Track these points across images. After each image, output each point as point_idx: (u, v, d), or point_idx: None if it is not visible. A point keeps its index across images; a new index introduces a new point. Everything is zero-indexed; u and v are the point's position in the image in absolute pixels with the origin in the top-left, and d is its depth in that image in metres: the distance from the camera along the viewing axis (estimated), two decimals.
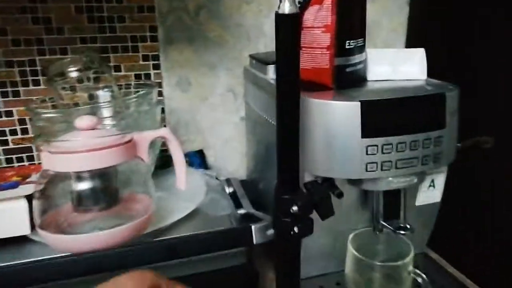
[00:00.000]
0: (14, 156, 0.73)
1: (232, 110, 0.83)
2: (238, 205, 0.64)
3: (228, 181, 0.73)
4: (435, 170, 0.57)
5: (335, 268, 0.63)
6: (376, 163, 0.50)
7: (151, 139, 0.53)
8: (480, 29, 0.70)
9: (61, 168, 0.47)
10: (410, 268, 0.52)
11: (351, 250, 0.55)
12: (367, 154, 0.49)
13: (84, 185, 0.48)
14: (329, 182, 0.51)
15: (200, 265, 0.52)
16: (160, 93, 0.78)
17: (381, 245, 0.57)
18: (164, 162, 0.68)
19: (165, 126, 0.78)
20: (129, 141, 0.50)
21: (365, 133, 0.49)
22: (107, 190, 0.50)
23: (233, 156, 0.86)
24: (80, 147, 0.46)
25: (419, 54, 0.62)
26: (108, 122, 0.60)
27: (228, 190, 0.71)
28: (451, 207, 0.65)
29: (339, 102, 0.50)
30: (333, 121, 0.50)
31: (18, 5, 0.67)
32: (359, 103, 0.49)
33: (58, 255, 0.47)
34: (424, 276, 0.51)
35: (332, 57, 0.53)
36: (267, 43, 0.82)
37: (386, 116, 0.50)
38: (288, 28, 0.33)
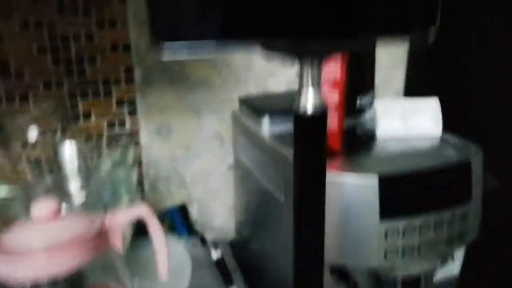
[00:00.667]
0: None
1: (219, 157, 0.75)
2: (228, 281, 0.55)
3: (215, 245, 0.64)
4: (459, 248, 0.51)
5: None
6: (398, 249, 0.42)
7: (127, 221, 0.43)
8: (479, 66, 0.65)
9: (13, 277, 0.37)
10: None
11: None
12: (386, 239, 0.42)
13: None
14: (341, 272, 0.43)
15: None
16: (136, 143, 0.68)
17: None
18: (138, 231, 0.58)
19: (142, 188, 0.69)
20: (101, 230, 0.41)
21: (385, 214, 0.41)
22: None
23: (220, 210, 0.77)
24: (37, 248, 0.36)
25: (432, 104, 0.56)
26: (75, 187, 0.51)
27: (216, 255, 0.62)
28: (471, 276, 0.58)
29: (353, 175, 0.42)
30: (346, 199, 0.42)
31: None
32: (377, 179, 0.41)
33: None
34: None
35: (341, 117, 0.46)
36: (257, 82, 0.74)
37: (409, 193, 0.42)
38: (314, 131, 0.26)
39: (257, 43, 0.23)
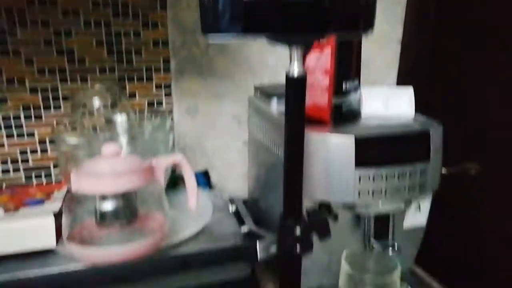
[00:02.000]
0: (33, 174, 0.79)
1: (236, 135, 0.90)
2: (242, 223, 0.70)
3: (232, 201, 0.79)
4: (421, 197, 0.64)
5: (329, 281, 0.68)
6: (368, 190, 0.56)
7: (168, 165, 0.59)
8: (469, 62, 0.79)
9: (88, 190, 0.53)
10: (398, 282, 0.58)
11: (344, 266, 0.60)
12: (359, 182, 0.56)
13: (107, 205, 0.54)
14: (326, 206, 0.57)
15: (207, 276, 0.58)
16: (170, 119, 0.84)
17: (372, 261, 0.63)
18: (173, 183, 0.74)
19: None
20: (149, 167, 0.56)
21: (358, 164, 0.56)
22: (127, 209, 0.56)
23: (235, 177, 0.92)
24: (107, 172, 0.52)
25: (408, 92, 0.70)
26: (124, 146, 0.67)
27: (232, 208, 0.77)
28: (437, 227, 0.71)
29: (336, 136, 0.57)
30: (330, 152, 0.56)
31: (44, 38, 0.74)
32: (353, 138, 0.56)
33: (81, 267, 0.52)
34: None
35: (330, 96, 0.61)
36: (270, 75, 0.89)
37: (377, 150, 0.57)
38: (298, 88, 0.40)
39: (263, 36, 0.38)
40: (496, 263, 0.75)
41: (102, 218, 0.55)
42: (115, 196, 0.54)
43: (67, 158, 0.63)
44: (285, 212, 0.41)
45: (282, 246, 0.41)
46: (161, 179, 0.58)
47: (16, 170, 0.78)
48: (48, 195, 0.65)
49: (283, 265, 0.43)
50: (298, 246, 0.41)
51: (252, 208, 0.81)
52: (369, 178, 0.56)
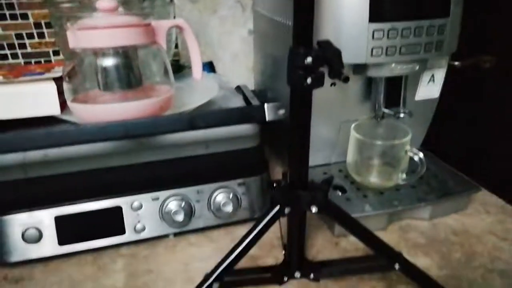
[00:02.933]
0: (32, 60, 0.76)
1: (240, 22, 0.85)
2: (248, 103, 0.68)
3: (238, 88, 0.77)
4: (437, 57, 0.60)
5: (337, 159, 0.68)
6: (381, 48, 0.53)
7: (168, 27, 0.55)
8: None
9: (86, 44, 0.50)
10: (408, 147, 0.57)
11: (353, 135, 0.59)
12: (373, 39, 0.53)
13: (108, 62, 0.52)
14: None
15: (214, 146, 0.58)
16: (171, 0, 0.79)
17: (382, 129, 0.62)
18: (177, 70, 0.71)
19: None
20: (148, 26, 0.53)
21: (372, 18, 0.52)
22: (130, 74, 0.54)
23: (241, 70, 0.89)
24: (104, 24, 0.49)
25: None
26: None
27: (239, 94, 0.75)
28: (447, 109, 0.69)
29: None
30: (342, 7, 0.52)
31: None
32: None
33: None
34: (421, 155, 0.56)
35: None
36: None
37: (393, 2, 0.52)
38: None
39: None
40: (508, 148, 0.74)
41: (105, 81, 0.53)
42: (116, 54, 0.52)
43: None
44: (295, 42, 0.38)
45: (292, 79, 0.39)
46: (163, 42, 0.55)
47: (15, 55, 0.75)
48: (48, 70, 0.63)
49: (293, 98, 0.41)
50: (309, 77, 0.38)
51: (259, 97, 0.79)
52: (383, 34, 0.53)
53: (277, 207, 0.45)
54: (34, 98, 0.54)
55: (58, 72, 0.60)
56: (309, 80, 0.39)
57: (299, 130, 0.42)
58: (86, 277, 0.52)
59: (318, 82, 0.39)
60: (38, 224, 0.53)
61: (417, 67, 0.57)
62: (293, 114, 0.42)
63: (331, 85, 0.60)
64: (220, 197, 0.58)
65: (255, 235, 0.45)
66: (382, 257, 0.47)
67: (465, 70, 0.63)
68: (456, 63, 0.61)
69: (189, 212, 0.57)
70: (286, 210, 0.45)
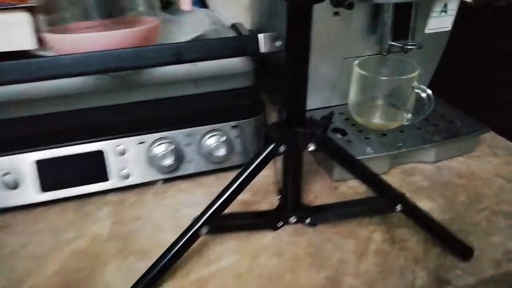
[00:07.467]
0: None
1: None
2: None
3: (233, 27, 0.71)
4: None
5: (338, 102, 0.64)
6: None
7: None
8: None
9: None
10: (415, 83, 0.53)
11: (356, 71, 0.55)
12: None
13: None
14: None
15: (204, 85, 0.53)
16: None
17: (387, 68, 0.57)
18: (165, 6, 0.65)
19: None
20: None
21: None
22: (112, 3, 0.48)
23: (237, 8, 0.82)
24: None
25: None
26: None
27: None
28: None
29: None
30: None
31: None
32: None
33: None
34: (429, 91, 0.52)
35: None
36: None
37: None
38: None
39: None
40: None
41: (85, 11, 0.48)
42: None
43: None
44: None
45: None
46: None
47: None
48: (21, 1, 0.57)
49: (291, 16, 0.36)
50: None
51: None
52: None
53: (272, 145, 0.41)
54: (6, 30, 0.49)
55: (33, 2, 0.54)
56: None
57: (297, 52, 0.38)
58: (69, 224, 0.50)
59: None
60: (17, 169, 0.50)
61: None
62: (290, 37, 0.37)
63: (333, 14, 0.54)
64: (211, 140, 0.54)
65: (247, 175, 0.42)
66: (384, 198, 0.44)
67: (477, 7, 0.57)
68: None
69: (178, 157, 0.54)
70: (281, 148, 0.41)
